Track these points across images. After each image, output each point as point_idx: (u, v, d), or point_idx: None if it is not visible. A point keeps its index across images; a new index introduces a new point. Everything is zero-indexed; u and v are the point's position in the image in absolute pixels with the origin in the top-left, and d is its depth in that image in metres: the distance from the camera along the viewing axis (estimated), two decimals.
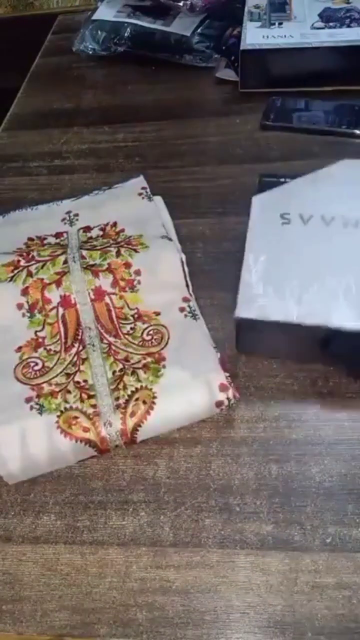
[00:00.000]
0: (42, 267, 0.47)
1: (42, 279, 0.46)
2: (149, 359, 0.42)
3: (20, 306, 0.45)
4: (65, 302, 0.45)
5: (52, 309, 0.45)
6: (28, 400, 0.40)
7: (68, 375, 0.42)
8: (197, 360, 0.41)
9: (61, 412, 0.39)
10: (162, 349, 0.43)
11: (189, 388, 0.40)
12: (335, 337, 0.39)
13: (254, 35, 0.67)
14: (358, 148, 0.61)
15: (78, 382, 0.41)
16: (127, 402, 0.39)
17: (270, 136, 0.63)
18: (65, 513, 0.38)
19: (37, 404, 0.40)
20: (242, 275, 0.41)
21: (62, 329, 0.44)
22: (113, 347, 0.43)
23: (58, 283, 0.46)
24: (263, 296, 0.40)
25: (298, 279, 0.41)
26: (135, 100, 0.73)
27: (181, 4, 0.76)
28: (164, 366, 0.41)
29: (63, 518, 0.38)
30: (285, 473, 0.38)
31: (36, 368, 0.42)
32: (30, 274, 0.46)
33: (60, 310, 0.45)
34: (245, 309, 0.40)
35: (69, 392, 0.40)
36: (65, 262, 0.47)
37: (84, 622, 0.34)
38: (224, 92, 0.72)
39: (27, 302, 0.45)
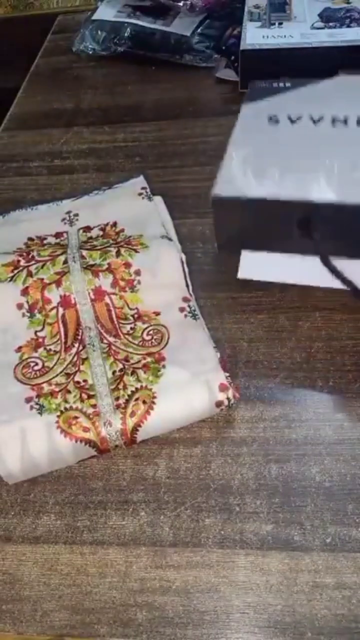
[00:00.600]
0: (42, 267, 0.47)
1: (42, 279, 0.46)
2: (149, 359, 0.42)
3: (20, 306, 0.45)
4: (65, 302, 0.45)
5: (52, 309, 0.45)
6: (28, 400, 0.40)
7: (68, 375, 0.42)
8: (197, 360, 0.41)
9: (61, 412, 0.39)
10: (162, 349, 0.43)
11: (188, 388, 0.40)
12: (314, 215, 0.38)
13: (254, 35, 0.67)
14: None
15: (78, 382, 0.41)
16: (127, 402, 0.39)
17: None
18: (65, 513, 0.38)
19: (37, 404, 0.40)
20: (223, 162, 0.41)
21: (62, 329, 0.44)
22: (113, 347, 0.43)
23: (58, 283, 0.46)
24: (242, 177, 0.40)
25: (280, 164, 0.40)
26: (135, 100, 0.73)
27: (181, 4, 0.76)
28: (163, 366, 0.41)
29: (63, 518, 0.38)
30: (285, 473, 0.38)
31: (36, 368, 0.42)
32: (30, 274, 0.46)
33: (60, 310, 0.45)
34: (223, 188, 0.40)
35: (69, 392, 0.40)
36: (65, 262, 0.47)
37: (84, 622, 0.34)
38: (224, 92, 0.72)
39: (27, 302, 0.45)
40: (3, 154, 0.68)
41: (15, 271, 0.47)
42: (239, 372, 0.43)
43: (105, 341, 0.43)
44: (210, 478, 0.38)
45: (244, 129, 0.43)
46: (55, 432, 0.38)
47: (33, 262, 0.47)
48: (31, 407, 0.40)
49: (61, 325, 0.44)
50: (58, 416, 0.39)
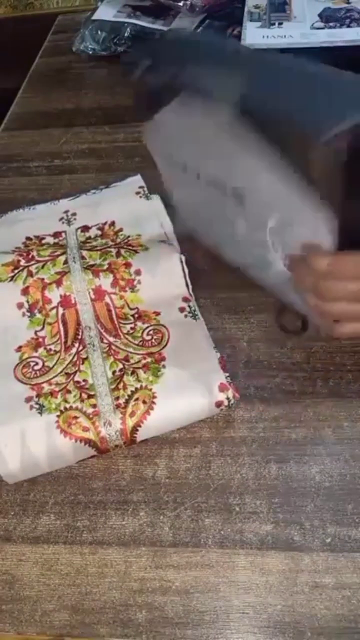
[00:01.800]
0: (42, 267, 0.47)
1: (43, 279, 0.46)
2: (148, 359, 0.42)
3: (20, 306, 0.45)
4: (65, 301, 0.45)
5: (52, 309, 0.45)
6: (28, 400, 0.40)
7: (68, 375, 0.42)
8: (197, 360, 0.42)
9: (61, 411, 0.39)
10: (162, 349, 0.43)
11: (188, 388, 0.40)
12: None
13: (254, 35, 0.67)
14: None
15: (78, 382, 0.41)
16: (126, 402, 0.39)
17: None
18: (65, 513, 0.38)
19: (37, 403, 0.40)
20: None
21: (62, 329, 0.44)
22: (113, 347, 0.43)
23: (58, 283, 0.46)
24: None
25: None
26: None
27: (181, 4, 0.76)
28: (163, 366, 0.41)
29: (63, 518, 0.38)
30: (285, 473, 0.38)
31: (36, 368, 0.42)
32: (30, 274, 0.46)
33: (60, 310, 0.45)
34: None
35: (69, 391, 0.40)
36: (66, 262, 0.47)
37: (84, 622, 0.34)
38: None
39: (27, 301, 0.45)
40: (3, 154, 0.67)
41: (16, 271, 0.47)
42: (239, 372, 0.43)
43: (105, 341, 0.43)
44: (210, 478, 0.38)
45: (163, 171, 0.46)
46: (55, 432, 0.38)
47: (33, 262, 0.47)
48: (31, 407, 0.40)
49: (61, 325, 0.44)
50: (58, 416, 0.39)
